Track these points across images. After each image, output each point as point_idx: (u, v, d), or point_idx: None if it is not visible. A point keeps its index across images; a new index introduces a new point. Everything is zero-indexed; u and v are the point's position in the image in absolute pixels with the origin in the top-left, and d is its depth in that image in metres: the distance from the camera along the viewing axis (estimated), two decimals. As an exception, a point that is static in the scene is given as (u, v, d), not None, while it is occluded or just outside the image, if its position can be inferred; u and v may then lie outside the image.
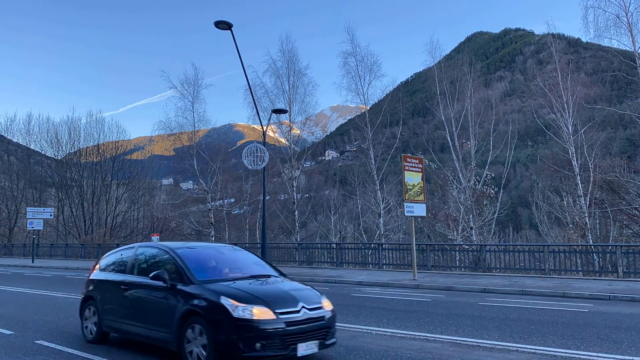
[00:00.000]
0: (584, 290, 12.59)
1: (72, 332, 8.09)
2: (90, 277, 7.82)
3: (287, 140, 33.36)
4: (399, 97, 33.98)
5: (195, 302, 5.75)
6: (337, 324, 8.51)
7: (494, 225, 28.45)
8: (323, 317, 5.97)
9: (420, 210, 16.57)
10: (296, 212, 31.75)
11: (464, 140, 29.36)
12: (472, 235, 26.63)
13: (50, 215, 34.43)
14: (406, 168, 16.22)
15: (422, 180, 16.90)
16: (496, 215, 27.78)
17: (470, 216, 26.96)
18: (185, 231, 43.84)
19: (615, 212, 24.86)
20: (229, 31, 18.52)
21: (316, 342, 5.72)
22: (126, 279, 6.92)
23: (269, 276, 6.70)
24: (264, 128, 22.62)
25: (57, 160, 47.97)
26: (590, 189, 24.67)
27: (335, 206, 44.76)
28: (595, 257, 20.03)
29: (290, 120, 33.21)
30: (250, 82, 22.17)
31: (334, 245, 24.91)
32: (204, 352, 5.50)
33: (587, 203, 24.83)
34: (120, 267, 7.28)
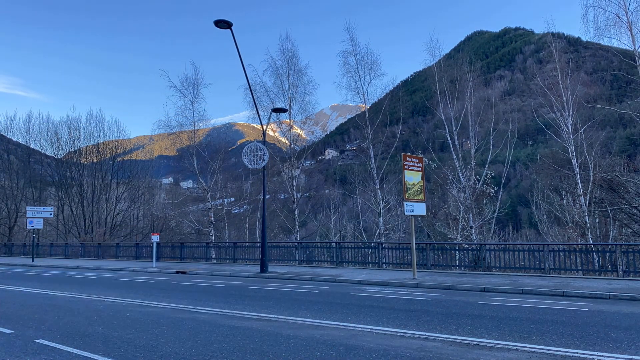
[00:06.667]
0: (583, 289, 12.60)
1: (72, 330, 8.10)
2: None
3: (287, 140, 33.34)
4: (399, 96, 33.95)
5: None
6: (336, 322, 8.54)
7: (493, 224, 28.44)
8: None
9: (420, 209, 16.58)
10: (296, 211, 31.75)
11: (463, 140, 29.36)
12: (471, 235, 26.64)
13: (50, 214, 34.43)
14: (406, 167, 16.23)
15: (422, 179, 16.91)
16: (496, 214, 27.78)
17: (470, 215, 26.96)
18: (185, 230, 43.91)
19: (614, 211, 24.88)
20: (229, 31, 18.65)
21: None
22: None
23: None
24: (264, 127, 22.63)
25: (57, 159, 48.02)
26: (590, 188, 24.69)
27: (335, 205, 44.76)
28: (595, 256, 20.04)
29: (290, 120, 33.21)
30: (250, 81, 22.20)
31: (334, 244, 24.92)
32: None
33: (587, 202, 24.84)
34: None
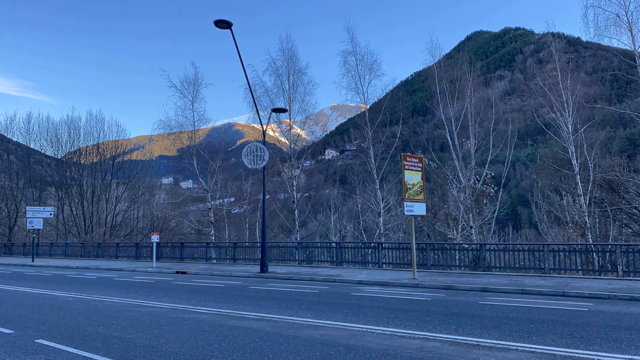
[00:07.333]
0: (583, 289, 12.60)
1: (72, 330, 8.10)
2: None
3: (287, 140, 33.34)
4: (399, 96, 33.95)
5: None
6: (336, 322, 8.55)
7: (493, 224, 28.44)
8: None
9: (420, 209, 16.58)
10: (296, 211, 31.74)
11: (463, 139, 29.35)
12: (471, 235, 26.64)
13: (50, 214, 34.43)
14: (406, 167, 16.23)
15: (421, 179, 16.92)
16: (496, 214, 27.78)
17: (470, 215, 26.97)
18: (185, 230, 43.93)
19: (614, 211, 24.89)
20: (229, 31, 18.65)
21: None
22: None
23: None
24: (264, 127, 22.63)
25: (57, 159, 48.00)
26: (590, 188, 24.69)
27: (335, 205, 44.77)
28: (594, 256, 20.06)
29: (290, 120, 33.20)
30: (250, 81, 22.19)
31: (334, 244, 24.91)
32: None
33: (587, 202, 24.84)
34: None
